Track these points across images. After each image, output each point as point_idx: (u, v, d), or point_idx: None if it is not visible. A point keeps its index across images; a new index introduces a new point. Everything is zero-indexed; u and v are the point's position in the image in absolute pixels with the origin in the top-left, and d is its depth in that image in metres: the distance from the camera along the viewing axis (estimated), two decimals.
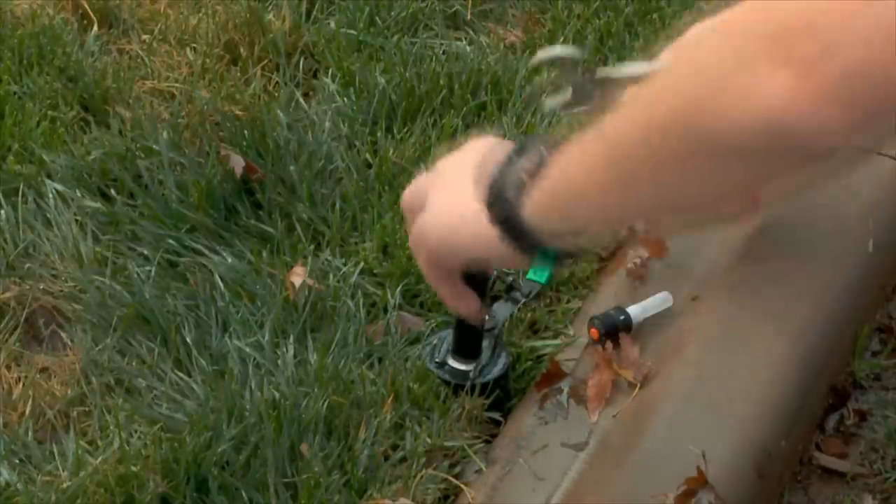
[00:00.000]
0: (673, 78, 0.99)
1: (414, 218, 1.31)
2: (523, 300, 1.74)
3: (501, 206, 1.20)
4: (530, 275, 1.77)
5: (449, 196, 1.28)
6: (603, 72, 1.29)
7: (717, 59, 0.93)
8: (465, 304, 1.42)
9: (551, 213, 1.18)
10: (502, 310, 1.71)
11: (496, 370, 1.62)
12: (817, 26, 0.86)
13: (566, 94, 1.40)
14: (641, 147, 1.02)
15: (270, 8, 2.26)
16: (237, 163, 1.92)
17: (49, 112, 2.02)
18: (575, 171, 1.13)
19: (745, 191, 1.05)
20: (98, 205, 1.89)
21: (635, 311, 1.71)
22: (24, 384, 1.65)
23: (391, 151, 1.94)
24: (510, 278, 1.72)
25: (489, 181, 1.21)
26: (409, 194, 1.33)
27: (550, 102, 1.41)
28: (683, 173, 1.01)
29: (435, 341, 1.65)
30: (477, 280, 1.56)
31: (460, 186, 1.26)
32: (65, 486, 1.49)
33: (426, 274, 1.35)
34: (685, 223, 1.23)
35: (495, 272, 1.56)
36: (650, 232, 1.74)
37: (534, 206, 1.18)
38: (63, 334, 1.74)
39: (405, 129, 2.01)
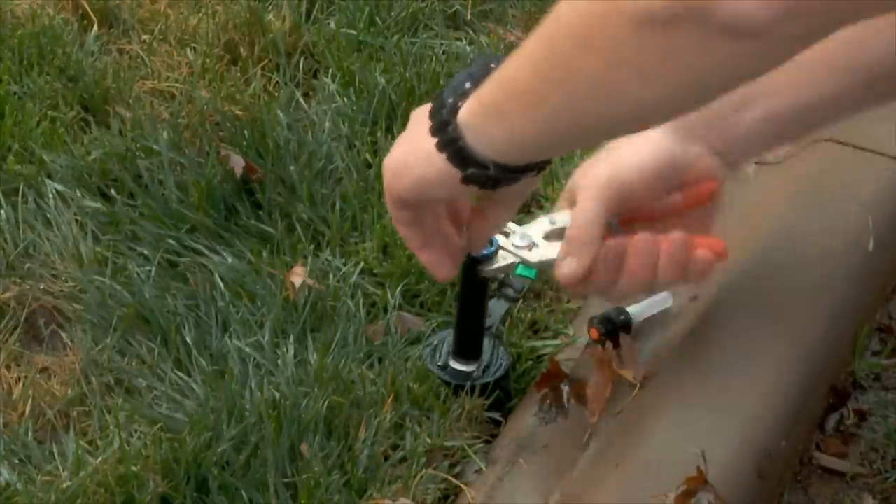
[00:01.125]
0: None
1: None
2: (517, 297, 1.74)
3: (440, 110, 1.18)
4: (519, 270, 1.78)
5: (409, 129, 1.26)
6: None
7: None
8: (430, 256, 1.33)
9: (486, 113, 1.15)
10: (497, 307, 1.71)
11: (497, 370, 1.62)
12: None
13: None
14: (571, 20, 1.02)
15: (270, 8, 2.26)
16: (237, 163, 1.92)
17: (49, 112, 2.02)
18: (509, 68, 1.11)
19: (673, 87, 1.02)
20: (98, 205, 1.89)
21: (635, 311, 1.71)
22: (24, 384, 1.65)
23: None
24: (501, 276, 1.73)
25: (437, 94, 1.19)
26: None
27: None
28: (606, 53, 1.00)
29: (435, 342, 1.66)
30: (477, 282, 1.56)
31: (420, 121, 1.23)
32: (65, 486, 1.49)
33: (392, 216, 1.30)
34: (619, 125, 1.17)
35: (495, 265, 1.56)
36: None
37: (469, 109, 1.16)
38: (63, 334, 1.73)
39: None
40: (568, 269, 1.41)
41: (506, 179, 1.20)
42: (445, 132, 1.17)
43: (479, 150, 1.16)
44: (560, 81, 1.06)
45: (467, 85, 1.17)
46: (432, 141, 1.19)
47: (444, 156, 1.18)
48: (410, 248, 1.34)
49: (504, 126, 1.15)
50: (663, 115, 1.12)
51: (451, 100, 1.17)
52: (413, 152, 1.24)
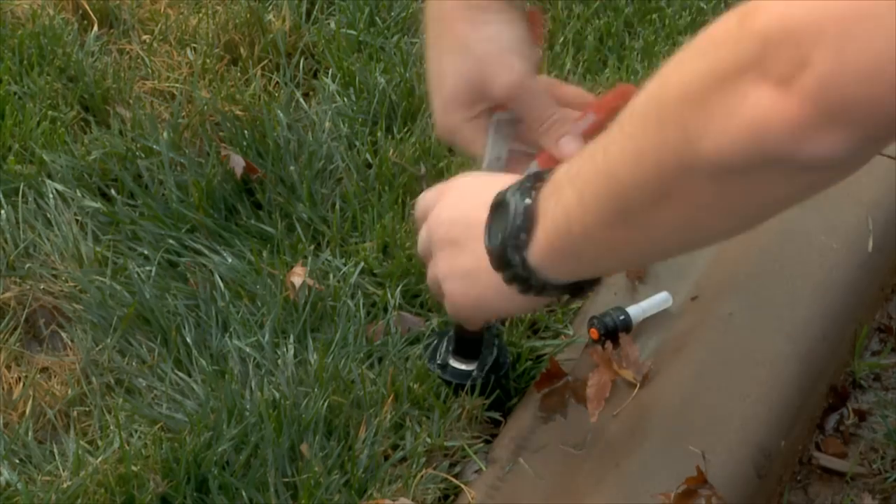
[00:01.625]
0: (657, 103, 0.98)
1: (422, 225, 1.35)
2: None
3: (510, 266, 1.22)
4: None
5: (459, 254, 1.30)
6: None
7: (697, 79, 0.92)
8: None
9: (561, 259, 1.19)
10: None
11: (497, 369, 1.62)
12: (792, 38, 0.85)
13: None
14: (639, 180, 1.02)
15: (270, 8, 2.26)
16: (237, 163, 1.92)
17: (49, 112, 2.02)
18: (573, 217, 1.13)
19: (756, 215, 1.03)
20: (98, 205, 1.89)
21: (635, 311, 1.71)
22: (24, 384, 1.65)
23: (391, 151, 1.94)
24: None
25: (489, 247, 1.23)
26: (422, 206, 1.37)
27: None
28: (687, 202, 1.00)
29: (435, 341, 1.66)
30: None
31: (468, 239, 1.28)
32: (65, 486, 1.49)
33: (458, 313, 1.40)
34: (702, 246, 1.24)
35: None
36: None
37: (543, 256, 1.19)
38: (63, 334, 1.73)
39: (405, 129, 2.01)
40: (571, 146, 1.42)
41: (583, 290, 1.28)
42: (526, 283, 1.23)
43: (556, 281, 1.22)
44: (639, 230, 1.08)
45: (523, 237, 1.19)
46: (508, 285, 1.24)
47: (525, 296, 1.24)
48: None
49: (581, 266, 1.20)
50: (744, 232, 1.14)
51: (517, 257, 1.20)
52: (486, 291, 1.28)
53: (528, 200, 1.18)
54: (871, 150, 0.92)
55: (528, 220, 1.18)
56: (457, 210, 1.31)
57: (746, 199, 0.98)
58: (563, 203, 1.14)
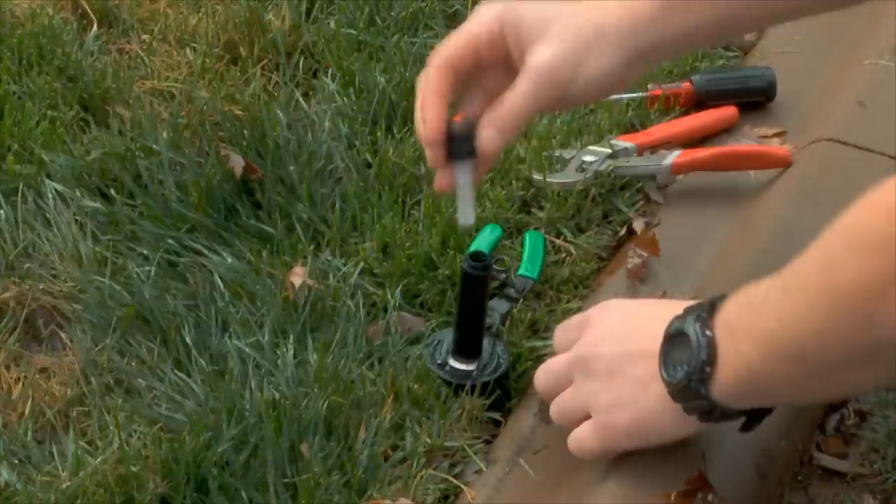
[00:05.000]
0: (829, 291, 1.14)
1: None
2: (519, 297, 1.74)
3: (695, 399, 1.30)
4: (522, 270, 1.78)
5: (622, 384, 1.36)
6: None
7: (873, 277, 1.09)
8: None
9: (747, 398, 1.30)
10: (499, 307, 1.71)
11: (497, 369, 1.62)
12: None
13: None
14: (827, 352, 1.16)
15: (270, 7, 2.26)
16: (237, 163, 1.92)
17: (48, 112, 2.02)
18: (761, 368, 1.23)
19: None
20: (98, 205, 1.89)
21: None
22: (23, 384, 1.65)
23: (391, 151, 1.94)
24: (503, 275, 1.73)
25: (671, 380, 1.30)
26: (562, 338, 1.46)
27: None
28: (883, 367, 1.14)
29: (435, 341, 1.65)
30: (477, 282, 1.56)
31: (632, 367, 1.35)
32: (64, 486, 1.49)
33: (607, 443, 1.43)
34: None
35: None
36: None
37: (726, 395, 1.29)
38: (62, 334, 1.73)
39: (405, 129, 2.01)
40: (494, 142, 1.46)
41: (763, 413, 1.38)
42: (707, 413, 1.32)
43: (739, 406, 1.33)
44: (829, 381, 1.21)
45: (707, 370, 1.27)
46: (675, 407, 1.32)
47: (694, 416, 1.33)
48: None
49: (767, 400, 1.32)
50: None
51: (702, 390, 1.28)
52: (648, 415, 1.36)
53: (708, 333, 1.26)
54: None
55: (711, 354, 1.25)
56: (618, 342, 1.37)
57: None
58: (741, 354, 1.24)
